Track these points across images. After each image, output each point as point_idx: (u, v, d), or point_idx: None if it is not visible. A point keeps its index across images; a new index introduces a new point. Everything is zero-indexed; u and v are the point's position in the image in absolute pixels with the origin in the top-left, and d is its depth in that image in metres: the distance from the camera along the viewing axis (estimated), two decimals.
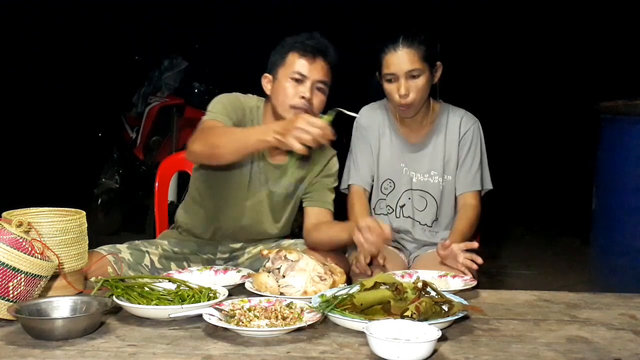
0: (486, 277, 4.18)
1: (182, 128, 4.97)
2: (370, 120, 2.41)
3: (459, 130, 2.36)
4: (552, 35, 7.14)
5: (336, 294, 1.62)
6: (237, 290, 1.83)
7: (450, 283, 1.92)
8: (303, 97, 2.10)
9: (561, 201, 6.29)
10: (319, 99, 2.14)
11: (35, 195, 3.63)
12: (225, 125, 2.08)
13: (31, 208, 1.82)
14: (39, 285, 1.60)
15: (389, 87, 2.24)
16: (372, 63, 2.28)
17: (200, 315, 1.52)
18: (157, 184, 2.64)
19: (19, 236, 1.57)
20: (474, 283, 1.91)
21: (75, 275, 1.79)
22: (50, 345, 1.41)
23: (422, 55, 2.20)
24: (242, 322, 1.49)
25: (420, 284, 1.59)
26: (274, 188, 2.26)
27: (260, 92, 2.26)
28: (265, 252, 1.89)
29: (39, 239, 1.64)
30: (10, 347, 1.41)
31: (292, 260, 1.79)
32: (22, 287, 1.55)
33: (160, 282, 1.77)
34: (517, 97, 7.36)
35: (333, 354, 1.38)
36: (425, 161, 2.37)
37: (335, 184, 2.34)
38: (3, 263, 1.52)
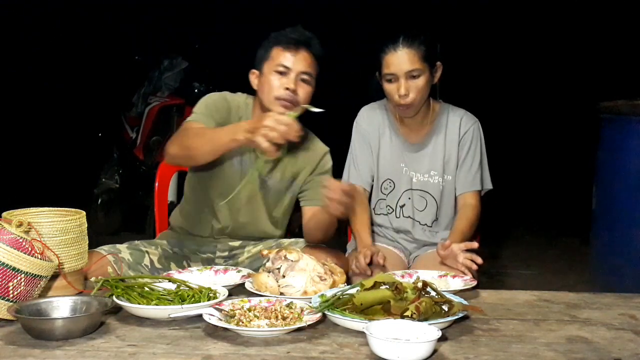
0: (486, 277, 4.18)
1: None
2: (370, 120, 2.41)
3: (459, 130, 2.36)
4: (553, 36, 7.15)
5: (336, 294, 1.62)
6: (237, 290, 1.83)
7: (450, 283, 1.92)
8: (287, 89, 2.13)
9: (561, 201, 6.29)
10: (303, 90, 2.17)
11: (35, 195, 3.63)
12: (204, 126, 2.11)
13: (31, 208, 1.82)
14: (39, 285, 1.60)
15: (389, 87, 2.24)
16: (372, 63, 2.28)
17: (200, 315, 1.52)
18: (157, 184, 2.64)
19: (19, 236, 1.57)
20: (474, 283, 1.91)
21: (75, 275, 1.79)
22: (50, 345, 1.41)
23: (422, 55, 2.20)
24: (242, 322, 1.49)
25: (420, 284, 1.59)
26: (267, 182, 2.28)
27: None
28: (265, 252, 1.89)
29: (39, 239, 1.64)
30: (10, 347, 1.41)
31: (292, 260, 1.79)
32: (22, 287, 1.55)
33: (160, 282, 1.77)
34: (517, 97, 7.37)
35: (333, 354, 1.38)
36: (425, 161, 2.37)
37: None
38: (3, 263, 1.52)
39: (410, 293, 1.57)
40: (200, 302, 1.62)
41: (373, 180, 2.41)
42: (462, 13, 7.11)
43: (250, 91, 2.30)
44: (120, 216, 5.34)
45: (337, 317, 1.53)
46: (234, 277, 1.98)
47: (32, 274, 1.57)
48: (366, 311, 1.55)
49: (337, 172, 2.47)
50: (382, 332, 1.38)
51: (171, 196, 2.66)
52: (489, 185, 2.41)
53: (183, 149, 2.07)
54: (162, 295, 1.67)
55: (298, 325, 1.48)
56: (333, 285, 1.78)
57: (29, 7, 7.01)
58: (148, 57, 5.68)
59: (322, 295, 1.66)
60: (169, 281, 1.77)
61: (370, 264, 2.07)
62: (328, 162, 2.35)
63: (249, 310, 1.55)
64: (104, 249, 2.13)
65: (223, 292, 1.68)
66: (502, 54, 7.25)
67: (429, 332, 1.38)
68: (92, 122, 6.58)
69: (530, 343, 1.46)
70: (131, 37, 6.66)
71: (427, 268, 2.08)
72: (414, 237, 2.39)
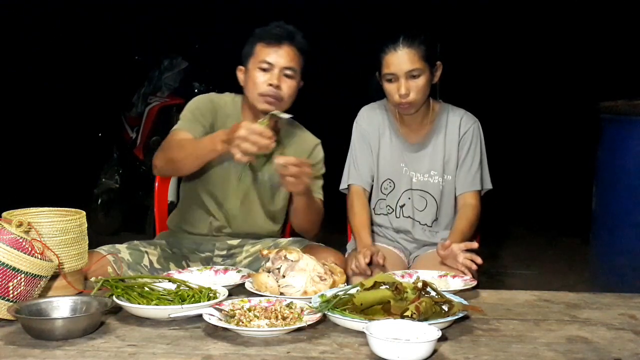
0: (486, 277, 4.18)
1: None
2: (370, 120, 2.41)
3: (458, 130, 2.36)
4: (553, 36, 7.14)
5: (336, 294, 1.62)
6: (237, 290, 1.83)
7: (450, 283, 1.92)
8: (271, 85, 2.16)
9: (561, 201, 6.29)
10: (287, 85, 2.19)
11: (35, 195, 3.63)
12: (191, 134, 2.16)
13: (31, 208, 1.82)
14: (39, 285, 1.60)
15: (389, 87, 2.24)
16: (372, 63, 2.28)
17: (200, 315, 1.52)
18: (157, 184, 2.65)
19: (19, 236, 1.57)
20: (474, 283, 1.91)
21: (75, 275, 1.79)
22: (50, 345, 1.41)
23: (422, 55, 2.20)
24: (242, 322, 1.49)
25: (420, 284, 1.59)
26: (260, 177, 2.30)
27: None
28: (265, 252, 1.89)
29: (39, 239, 1.64)
30: (10, 347, 1.41)
31: (292, 260, 1.79)
32: (22, 287, 1.55)
33: (160, 282, 1.77)
34: (517, 97, 7.36)
35: (333, 354, 1.38)
36: (425, 161, 2.37)
37: (322, 171, 2.38)
38: (3, 263, 1.52)
39: (410, 293, 1.57)
40: (200, 302, 1.62)
41: (373, 180, 2.41)
42: (462, 13, 7.11)
43: None
44: (120, 216, 5.34)
45: (337, 317, 1.53)
46: (234, 277, 1.98)
47: (32, 274, 1.57)
48: (366, 311, 1.55)
49: (337, 172, 2.47)
50: (382, 332, 1.38)
51: (171, 196, 2.67)
52: (488, 185, 2.41)
53: (167, 162, 2.14)
54: (162, 295, 1.68)
55: (298, 325, 1.48)
56: (333, 285, 1.78)
57: (29, 7, 7.01)
58: (148, 57, 5.68)
59: (322, 295, 1.66)
60: (169, 281, 1.77)
61: (370, 264, 2.07)
62: (319, 153, 2.38)
63: (249, 310, 1.55)
64: (103, 249, 2.13)
65: (223, 292, 1.68)
66: (502, 54, 7.25)
67: (429, 332, 1.38)
68: (92, 122, 6.57)
69: (530, 343, 1.46)
70: (131, 37, 6.66)
71: (427, 268, 2.08)
72: (414, 237, 2.39)
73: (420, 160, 2.37)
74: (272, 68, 2.18)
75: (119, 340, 1.45)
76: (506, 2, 7.06)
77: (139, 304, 1.61)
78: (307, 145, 2.36)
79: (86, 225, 1.82)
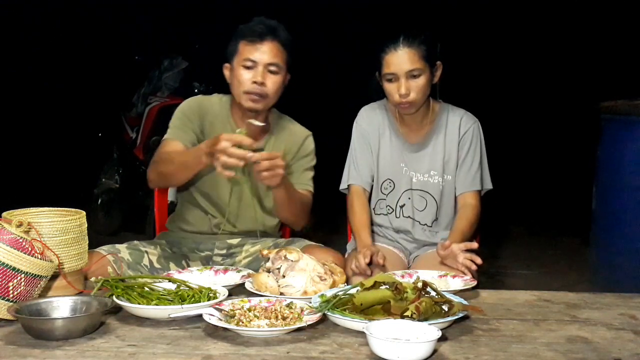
0: (486, 277, 4.18)
1: None
2: (370, 120, 2.41)
3: (458, 130, 2.36)
4: (553, 36, 7.14)
5: (336, 294, 1.62)
6: (237, 290, 1.83)
7: (450, 283, 1.92)
8: (255, 82, 2.17)
9: (561, 201, 6.28)
10: (272, 81, 2.20)
11: (35, 195, 3.63)
12: (181, 141, 2.22)
13: (31, 208, 1.82)
14: (39, 285, 1.60)
15: (389, 87, 2.24)
16: (372, 63, 2.28)
17: (200, 315, 1.52)
18: None
19: (19, 236, 1.57)
20: (474, 283, 1.91)
21: (75, 275, 1.79)
22: (50, 345, 1.41)
23: (422, 54, 2.20)
24: (242, 322, 1.49)
25: (420, 284, 1.59)
26: (251, 172, 2.29)
27: None
28: (265, 252, 1.89)
29: (39, 239, 1.64)
30: (10, 347, 1.41)
31: (292, 260, 1.79)
32: (22, 287, 1.55)
33: (160, 282, 1.77)
34: (517, 97, 7.36)
35: (333, 354, 1.38)
36: (425, 161, 2.37)
37: (313, 163, 2.39)
38: (3, 263, 1.52)
39: (410, 293, 1.57)
40: (200, 302, 1.62)
41: (373, 180, 2.41)
42: (462, 13, 7.11)
43: None
44: (120, 216, 5.34)
45: (337, 317, 1.53)
46: (234, 277, 1.98)
47: (32, 274, 1.57)
48: (366, 311, 1.55)
49: (337, 172, 2.47)
50: (382, 332, 1.39)
51: (171, 196, 2.67)
52: (488, 185, 2.41)
53: (159, 175, 2.22)
54: (162, 295, 1.68)
55: (298, 325, 1.48)
56: (333, 285, 1.78)
57: (29, 7, 7.01)
58: (148, 57, 5.68)
59: (322, 295, 1.66)
60: (169, 281, 1.77)
61: (370, 264, 2.07)
62: (310, 145, 2.39)
63: (249, 310, 1.55)
64: (103, 249, 2.13)
65: (223, 292, 1.68)
66: (503, 54, 7.25)
67: (429, 332, 1.38)
68: (92, 122, 6.58)
69: (530, 343, 1.46)
70: (131, 37, 6.66)
71: (427, 268, 2.08)
72: (414, 237, 2.39)
73: (420, 160, 2.37)
74: (255, 65, 2.19)
75: (119, 340, 1.45)
76: (506, 2, 7.06)
77: (139, 304, 1.61)
78: (297, 138, 2.37)
79: (86, 225, 1.82)
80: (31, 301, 1.55)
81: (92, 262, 1.99)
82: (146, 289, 1.70)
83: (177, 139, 2.25)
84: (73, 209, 1.84)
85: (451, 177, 2.36)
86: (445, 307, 1.56)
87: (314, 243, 2.28)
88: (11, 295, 1.54)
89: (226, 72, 2.30)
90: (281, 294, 1.75)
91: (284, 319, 1.51)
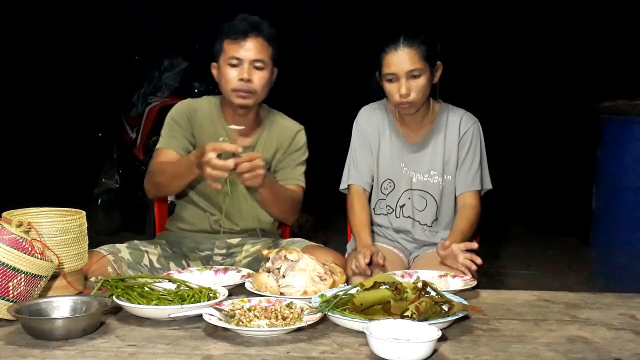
0: (486, 277, 4.18)
1: None
2: (370, 120, 2.41)
3: (458, 130, 2.36)
4: (553, 35, 7.14)
5: (336, 294, 1.62)
6: (237, 290, 1.83)
7: (450, 283, 1.92)
8: (242, 79, 2.20)
9: (561, 201, 6.28)
10: (258, 77, 2.22)
11: (35, 195, 3.63)
12: (173, 149, 2.26)
13: (31, 208, 1.82)
14: (39, 285, 1.60)
15: (389, 87, 2.24)
16: (372, 63, 2.28)
17: (200, 315, 1.52)
18: None
19: (19, 236, 1.57)
20: (474, 283, 1.91)
21: (75, 275, 1.79)
22: (50, 345, 1.41)
23: (422, 54, 2.20)
24: (242, 322, 1.49)
25: (420, 284, 1.59)
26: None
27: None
28: (265, 252, 1.89)
29: (39, 239, 1.64)
30: (10, 347, 1.41)
31: (292, 260, 1.79)
32: (22, 287, 1.55)
33: (160, 282, 1.77)
34: (517, 97, 7.36)
35: (333, 354, 1.38)
36: (425, 161, 2.37)
37: (305, 157, 2.40)
38: (3, 263, 1.52)
39: (410, 293, 1.57)
40: (200, 302, 1.62)
41: (373, 180, 2.41)
42: (462, 13, 7.11)
43: None
44: (120, 216, 5.34)
45: (337, 317, 1.53)
46: (234, 277, 1.98)
47: (32, 274, 1.57)
48: (366, 311, 1.55)
49: (337, 172, 2.47)
50: (382, 332, 1.39)
51: (171, 196, 2.68)
52: (488, 185, 2.41)
53: (154, 186, 2.28)
54: (162, 295, 1.68)
55: (298, 325, 1.48)
56: (333, 285, 1.78)
57: (29, 7, 7.01)
58: (148, 57, 5.68)
59: (322, 295, 1.66)
60: (169, 281, 1.77)
61: (370, 264, 2.07)
62: (301, 139, 2.40)
63: (249, 310, 1.55)
64: (103, 249, 2.13)
65: (223, 292, 1.68)
66: (503, 54, 7.25)
67: (429, 332, 1.38)
68: (92, 122, 6.58)
69: (530, 343, 1.46)
70: (131, 37, 6.66)
71: (427, 268, 2.08)
72: (414, 237, 2.39)
73: (420, 160, 2.37)
74: (241, 63, 2.21)
75: (119, 340, 1.45)
76: (506, 2, 7.06)
77: (139, 304, 1.61)
78: (288, 132, 2.38)
79: (86, 225, 1.82)
80: (31, 301, 1.55)
81: (92, 261, 1.99)
82: (146, 289, 1.70)
83: (169, 147, 2.28)
84: (73, 209, 1.84)
85: (451, 177, 2.36)
86: (445, 307, 1.56)
87: (314, 243, 2.28)
88: (11, 295, 1.54)
89: (214, 72, 2.33)
90: (281, 294, 1.75)
91: (284, 319, 1.51)
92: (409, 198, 2.38)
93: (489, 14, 7.15)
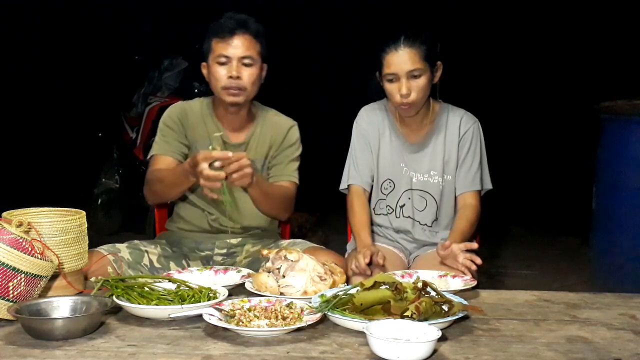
0: (486, 277, 4.18)
1: None
2: (370, 120, 2.41)
3: (458, 130, 2.36)
4: (553, 35, 7.14)
5: (336, 294, 1.62)
6: (237, 290, 1.83)
7: (450, 283, 1.92)
8: (231, 77, 2.21)
9: (561, 201, 6.29)
10: (247, 74, 2.23)
11: (35, 195, 3.63)
12: (168, 155, 2.29)
13: (31, 208, 1.82)
14: (39, 285, 1.60)
15: (390, 87, 2.24)
16: (372, 63, 2.28)
17: (200, 315, 1.52)
18: None
19: (19, 236, 1.57)
20: (474, 283, 1.91)
21: (75, 275, 1.79)
22: (50, 345, 1.41)
23: (423, 54, 2.20)
24: (242, 322, 1.49)
25: (420, 284, 1.59)
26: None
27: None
28: (265, 252, 1.89)
29: (39, 239, 1.64)
30: (10, 347, 1.41)
31: (292, 260, 1.79)
32: (22, 287, 1.55)
33: (160, 282, 1.77)
34: (517, 97, 7.36)
35: (333, 354, 1.38)
36: (425, 161, 2.37)
37: (298, 153, 2.40)
38: (3, 263, 1.52)
39: (410, 293, 1.57)
40: (200, 302, 1.62)
41: (373, 181, 2.41)
42: (462, 13, 7.11)
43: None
44: (120, 216, 5.34)
45: (337, 317, 1.53)
46: (234, 277, 1.98)
47: (32, 274, 1.57)
48: (366, 311, 1.55)
49: (337, 172, 2.47)
50: (382, 332, 1.39)
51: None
52: (488, 185, 2.41)
53: (153, 194, 2.32)
54: (162, 295, 1.68)
55: (298, 325, 1.48)
56: (333, 285, 1.78)
57: (29, 7, 7.01)
58: (148, 57, 5.68)
59: (322, 295, 1.66)
60: (169, 281, 1.77)
61: (370, 264, 2.07)
62: (294, 134, 2.40)
63: (249, 310, 1.55)
64: (103, 249, 2.14)
65: (223, 292, 1.68)
66: (502, 54, 7.25)
67: (429, 332, 1.38)
68: (92, 122, 6.58)
69: (530, 343, 1.46)
70: (131, 37, 6.66)
71: (427, 268, 2.08)
72: (414, 237, 2.39)
73: (420, 160, 2.37)
74: (229, 61, 2.22)
75: (119, 340, 1.45)
76: (506, 2, 7.06)
77: (139, 304, 1.61)
78: (281, 129, 2.38)
79: (86, 225, 1.82)
80: (31, 301, 1.55)
81: (92, 261, 1.99)
82: (146, 289, 1.70)
83: (164, 153, 2.30)
84: (73, 209, 1.84)
85: (451, 177, 2.36)
86: (445, 307, 1.56)
87: (315, 245, 2.28)
88: (11, 295, 1.54)
89: (204, 71, 2.34)
90: (281, 294, 1.75)
91: (284, 319, 1.51)
92: (409, 198, 2.38)
93: (489, 14, 7.15)
